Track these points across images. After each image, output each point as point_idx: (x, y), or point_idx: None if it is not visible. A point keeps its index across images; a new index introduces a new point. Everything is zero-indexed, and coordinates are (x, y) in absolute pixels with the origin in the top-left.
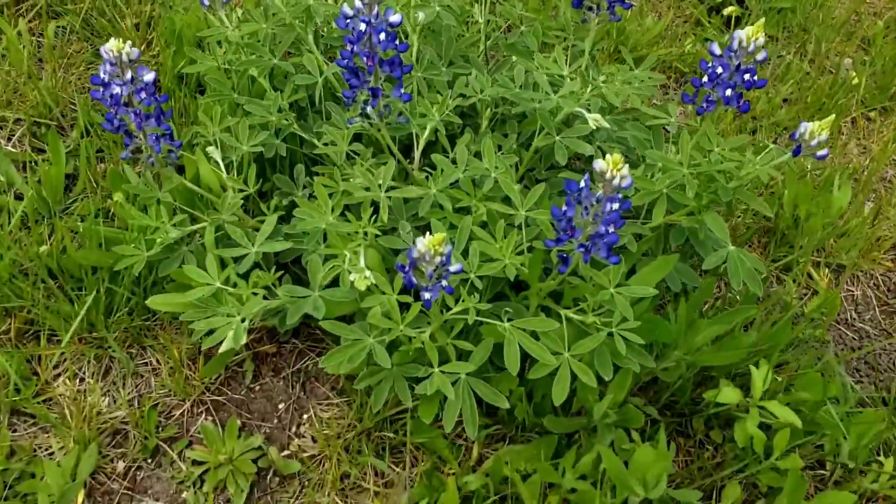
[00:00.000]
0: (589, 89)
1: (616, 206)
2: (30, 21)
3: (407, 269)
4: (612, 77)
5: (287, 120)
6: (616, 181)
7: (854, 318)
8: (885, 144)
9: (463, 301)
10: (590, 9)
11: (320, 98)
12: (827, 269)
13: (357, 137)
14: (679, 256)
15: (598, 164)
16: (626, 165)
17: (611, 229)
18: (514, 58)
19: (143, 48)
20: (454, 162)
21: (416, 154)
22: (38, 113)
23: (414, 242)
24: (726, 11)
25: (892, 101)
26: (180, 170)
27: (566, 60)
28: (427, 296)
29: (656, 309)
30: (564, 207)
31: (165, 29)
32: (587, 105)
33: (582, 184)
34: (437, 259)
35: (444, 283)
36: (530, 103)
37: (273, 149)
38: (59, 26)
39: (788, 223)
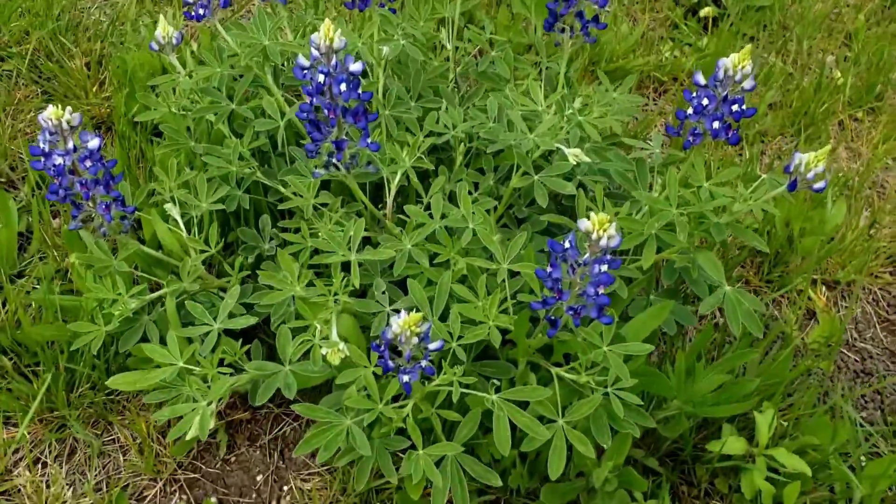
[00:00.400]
0: (565, 121)
1: (605, 267)
2: None
3: (382, 349)
4: (589, 100)
5: (249, 168)
6: (603, 242)
7: (855, 338)
8: (874, 147)
9: (445, 374)
10: (562, 31)
11: (283, 142)
12: (824, 287)
13: (325, 184)
14: (672, 292)
15: (584, 223)
16: (613, 224)
17: (601, 290)
18: (486, 86)
19: (94, 89)
20: (428, 208)
21: (389, 200)
22: None
23: (388, 322)
24: (703, 13)
25: (879, 100)
26: (139, 224)
27: (540, 86)
28: (406, 378)
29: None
30: (549, 269)
31: (117, 69)
32: (566, 139)
33: (567, 244)
34: (415, 339)
35: (423, 363)
36: (506, 142)
37: (235, 201)
38: (3, 70)
39: (782, 241)
